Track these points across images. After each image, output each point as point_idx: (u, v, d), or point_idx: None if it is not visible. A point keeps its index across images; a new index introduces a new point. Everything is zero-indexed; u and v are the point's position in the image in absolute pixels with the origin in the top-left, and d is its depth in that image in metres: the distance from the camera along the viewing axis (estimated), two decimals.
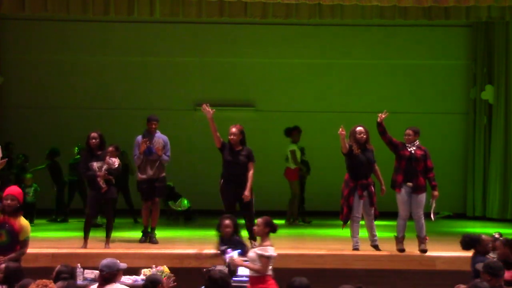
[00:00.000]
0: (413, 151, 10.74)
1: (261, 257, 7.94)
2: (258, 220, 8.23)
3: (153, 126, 11.68)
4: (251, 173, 10.81)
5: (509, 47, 15.95)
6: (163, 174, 11.70)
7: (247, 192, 10.74)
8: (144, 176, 11.60)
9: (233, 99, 16.87)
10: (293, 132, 15.17)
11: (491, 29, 16.22)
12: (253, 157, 10.91)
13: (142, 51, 16.79)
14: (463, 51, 16.90)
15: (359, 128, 10.94)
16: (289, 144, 15.07)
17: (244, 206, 10.89)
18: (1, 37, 16.58)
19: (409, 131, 10.85)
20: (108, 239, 10.94)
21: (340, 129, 10.70)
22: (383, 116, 10.71)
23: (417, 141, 10.85)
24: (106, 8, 13.07)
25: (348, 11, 13.60)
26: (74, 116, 16.26)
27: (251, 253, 8.09)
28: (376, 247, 10.94)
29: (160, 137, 11.67)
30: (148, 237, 11.61)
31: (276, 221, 8.19)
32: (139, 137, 11.65)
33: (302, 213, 15.22)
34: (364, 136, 10.89)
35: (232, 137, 10.89)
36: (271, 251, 7.97)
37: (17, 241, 8.29)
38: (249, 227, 10.86)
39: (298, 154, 15.02)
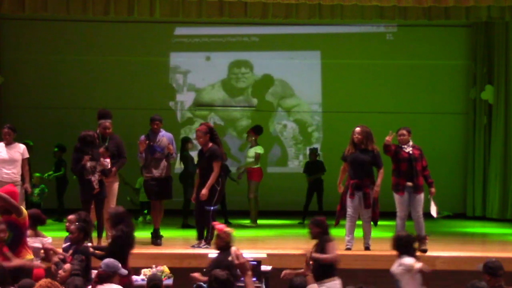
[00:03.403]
0: (410, 152, 10.73)
1: None
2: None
3: (155, 126, 11.63)
4: (213, 173, 10.70)
5: (509, 47, 15.94)
6: (170, 174, 11.65)
7: (204, 191, 10.67)
8: (149, 175, 11.57)
9: (233, 99, 16.88)
10: (248, 132, 14.93)
11: (491, 29, 16.21)
12: (216, 156, 10.75)
13: (143, 51, 16.80)
14: (463, 51, 16.88)
15: (356, 129, 10.87)
16: None
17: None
18: (1, 37, 16.58)
19: (403, 131, 10.82)
20: (100, 239, 10.91)
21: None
22: (390, 138, 10.55)
23: (410, 141, 10.84)
24: (106, 8, 13.07)
25: (348, 11, 13.60)
26: (74, 116, 16.24)
27: None
28: (367, 249, 10.86)
29: (164, 136, 11.62)
30: (155, 238, 11.54)
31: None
32: (142, 137, 11.64)
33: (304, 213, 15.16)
34: (359, 137, 10.78)
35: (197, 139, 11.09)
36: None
37: (21, 232, 7.94)
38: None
39: (250, 153, 14.59)
